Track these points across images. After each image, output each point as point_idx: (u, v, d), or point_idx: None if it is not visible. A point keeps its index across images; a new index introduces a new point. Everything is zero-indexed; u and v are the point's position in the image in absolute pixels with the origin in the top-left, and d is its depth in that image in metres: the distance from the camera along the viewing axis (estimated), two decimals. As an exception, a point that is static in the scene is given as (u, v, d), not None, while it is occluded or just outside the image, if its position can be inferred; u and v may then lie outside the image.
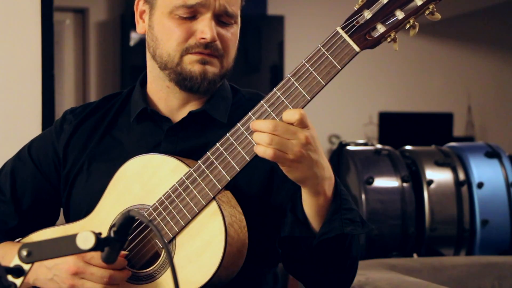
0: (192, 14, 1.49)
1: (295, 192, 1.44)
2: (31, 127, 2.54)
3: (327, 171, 1.36)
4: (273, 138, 1.28)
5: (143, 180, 1.46)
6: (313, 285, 1.51)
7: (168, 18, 1.50)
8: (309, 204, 1.40)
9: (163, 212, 1.42)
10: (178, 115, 1.57)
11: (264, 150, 1.29)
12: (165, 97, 1.58)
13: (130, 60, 6.43)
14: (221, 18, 1.51)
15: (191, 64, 1.50)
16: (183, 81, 1.51)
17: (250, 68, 6.75)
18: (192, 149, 1.53)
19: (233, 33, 1.53)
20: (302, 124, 1.30)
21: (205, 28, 1.48)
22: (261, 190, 1.51)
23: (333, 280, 1.48)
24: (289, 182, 1.46)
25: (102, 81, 6.79)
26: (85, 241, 1.10)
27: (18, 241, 1.59)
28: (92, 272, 1.39)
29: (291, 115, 1.30)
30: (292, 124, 1.30)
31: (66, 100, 6.58)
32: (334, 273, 1.47)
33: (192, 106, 1.57)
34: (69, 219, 1.61)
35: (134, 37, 6.40)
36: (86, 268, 1.39)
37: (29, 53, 2.56)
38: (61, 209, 1.67)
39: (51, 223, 1.62)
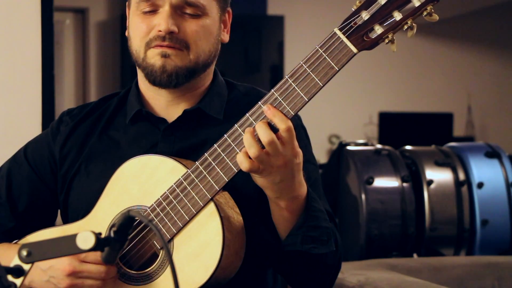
0: (152, 8, 1.50)
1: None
2: (31, 127, 2.55)
3: (294, 192, 1.39)
4: (261, 155, 1.31)
5: (141, 181, 1.46)
6: (292, 284, 1.55)
7: (134, 15, 1.53)
8: (273, 214, 1.44)
9: (160, 213, 1.42)
10: (173, 114, 1.57)
11: (242, 161, 1.32)
12: (152, 96, 1.59)
13: (130, 60, 6.38)
14: (185, 10, 1.50)
15: (154, 58, 1.50)
16: (147, 76, 1.53)
17: (250, 68, 6.75)
18: (189, 148, 1.53)
19: (202, 25, 1.51)
20: (286, 133, 1.32)
21: (160, 20, 1.48)
22: (258, 189, 1.52)
23: (309, 283, 1.51)
24: None
25: (102, 81, 6.79)
26: (85, 241, 1.10)
27: (15, 243, 1.59)
28: (90, 269, 1.39)
29: (279, 120, 1.32)
30: (277, 129, 1.32)
31: (66, 100, 6.58)
32: (305, 281, 1.50)
33: (186, 105, 1.57)
34: (67, 220, 1.61)
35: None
36: (82, 266, 1.39)
37: (29, 53, 2.56)
38: (59, 211, 1.67)
39: (49, 224, 1.62)
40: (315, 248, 1.42)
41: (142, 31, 1.51)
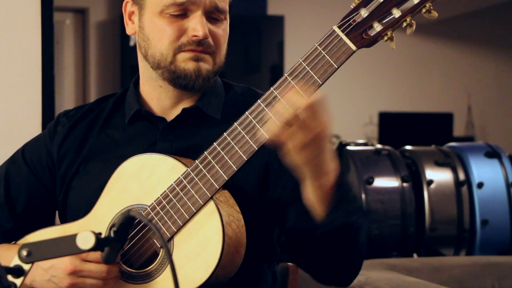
0: (183, 12, 1.49)
1: (297, 183, 1.44)
2: (31, 127, 2.55)
3: (326, 167, 1.34)
4: (283, 131, 1.27)
5: (140, 180, 1.46)
6: (320, 275, 1.50)
7: (158, 17, 1.50)
8: (308, 196, 1.38)
9: (160, 211, 1.42)
10: (172, 114, 1.57)
11: (270, 127, 1.28)
12: (157, 96, 1.58)
13: (130, 60, 6.43)
14: (212, 15, 1.50)
15: (185, 62, 1.49)
16: (177, 79, 1.51)
17: (250, 68, 6.75)
18: (187, 147, 1.53)
19: (223, 29, 1.53)
20: (309, 110, 1.26)
21: (196, 25, 1.47)
22: (257, 187, 1.52)
23: (340, 269, 1.47)
24: (285, 177, 1.47)
25: (102, 81, 6.79)
26: (85, 241, 1.10)
27: (14, 243, 1.59)
28: (90, 269, 1.39)
29: (296, 97, 1.28)
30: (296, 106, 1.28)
31: (66, 100, 6.58)
32: (341, 262, 1.46)
33: (185, 104, 1.57)
34: (66, 220, 1.60)
35: (134, 37, 6.39)
36: (83, 265, 1.39)
37: (29, 53, 2.56)
38: (57, 211, 1.67)
39: (47, 225, 1.62)
40: (358, 219, 1.39)
41: (172, 34, 1.49)
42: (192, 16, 1.49)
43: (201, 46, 1.48)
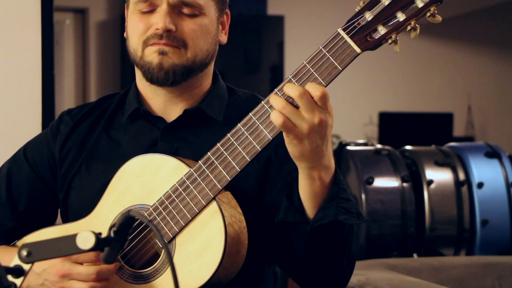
0: (151, 8, 1.51)
1: (292, 180, 1.44)
2: (31, 127, 2.55)
3: (327, 160, 1.35)
4: (286, 106, 1.28)
5: (143, 180, 1.47)
6: (307, 283, 1.50)
7: (132, 14, 1.55)
8: (303, 189, 1.39)
9: (163, 212, 1.42)
10: (171, 114, 1.58)
11: (276, 117, 1.29)
12: (150, 95, 1.60)
13: (130, 60, 6.42)
14: (182, 10, 1.51)
15: (151, 56, 1.52)
16: (145, 74, 1.54)
17: (250, 68, 6.75)
18: (189, 148, 1.54)
19: (199, 24, 1.52)
20: (321, 101, 1.29)
21: (158, 19, 1.50)
22: (255, 189, 1.52)
23: (328, 277, 1.47)
24: (280, 183, 1.48)
25: (102, 81, 6.79)
26: (85, 241, 1.10)
27: (13, 245, 1.59)
28: (79, 271, 1.39)
29: (313, 88, 1.29)
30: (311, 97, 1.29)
31: (66, 100, 6.58)
32: (330, 268, 1.45)
33: (184, 104, 1.57)
34: (67, 220, 1.61)
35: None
36: (73, 268, 1.39)
37: (29, 53, 2.56)
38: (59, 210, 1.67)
39: (49, 224, 1.62)
40: (348, 219, 1.38)
41: (140, 29, 1.52)
42: (157, 11, 1.51)
43: (164, 39, 1.50)
